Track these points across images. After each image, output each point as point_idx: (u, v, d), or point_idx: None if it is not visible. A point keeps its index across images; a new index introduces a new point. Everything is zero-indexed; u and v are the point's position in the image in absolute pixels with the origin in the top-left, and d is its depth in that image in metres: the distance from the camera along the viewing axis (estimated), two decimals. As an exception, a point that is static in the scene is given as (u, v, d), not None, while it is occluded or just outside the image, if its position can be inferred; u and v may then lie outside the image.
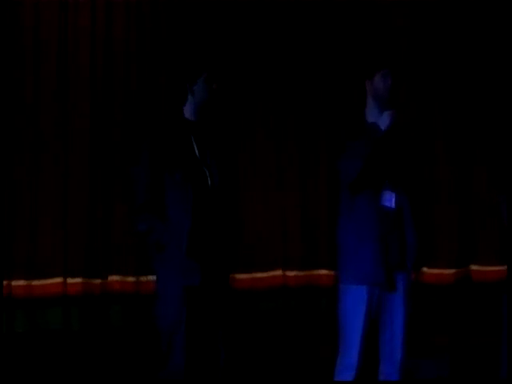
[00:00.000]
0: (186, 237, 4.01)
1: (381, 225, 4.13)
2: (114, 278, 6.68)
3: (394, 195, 4.18)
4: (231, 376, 4.07)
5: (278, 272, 6.88)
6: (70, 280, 6.61)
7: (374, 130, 4.17)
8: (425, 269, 6.97)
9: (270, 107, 7.00)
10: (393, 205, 4.17)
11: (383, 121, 4.16)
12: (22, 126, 6.64)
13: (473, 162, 7.11)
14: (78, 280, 6.62)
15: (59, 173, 6.67)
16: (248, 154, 6.94)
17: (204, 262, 4.02)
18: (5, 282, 6.40)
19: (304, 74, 7.02)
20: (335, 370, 4.18)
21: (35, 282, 6.57)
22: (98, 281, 6.66)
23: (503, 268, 5.84)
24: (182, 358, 4.00)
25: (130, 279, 6.64)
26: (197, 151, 4.13)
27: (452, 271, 6.96)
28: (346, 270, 4.21)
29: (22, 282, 6.55)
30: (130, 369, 5.72)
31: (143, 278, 6.55)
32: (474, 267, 6.98)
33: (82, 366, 5.90)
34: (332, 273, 6.78)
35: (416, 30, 7.18)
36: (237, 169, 6.78)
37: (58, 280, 6.61)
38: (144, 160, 4.11)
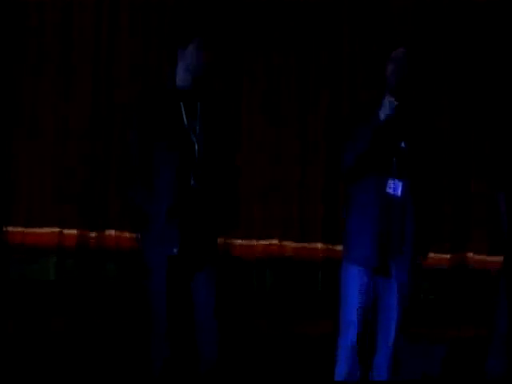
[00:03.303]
0: (168, 205, 3.99)
1: (381, 211, 4.15)
2: (110, 232, 6.72)
3: (400, 183, 4.19)
4: (225, 348, 4.08)
5: (275, 241, 6.92)
6: (66, 231, 6.65)
7: (376, 116, 4.16)
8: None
9: (272, 82, 7.01)
10: (398, 193, 4.18)
11: (383, 109, 4.14)
12: (23, 76, 6.70)
13: (471, 156, 7.12)
14: (74, 232, 6.66)
15: (58, 123, 6.69)
16: (246, 128, 6.94)
17: (184, 232, 4.00)
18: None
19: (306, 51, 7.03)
20: (337, 346, 4.25)
21: (31, 230, 6.61)
22: (94, 234, 6.70)
23: (498, 258, 5.88)
24: (167, 325, 3.99)
25: (127, 235, 6.66)
26: (185, 119, 4.06)
27: (446, 256, 7.00)
28: (346, 250, 4.29)
29: (18, 229, 6.60)
30: (122, 324, 5.76)
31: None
32: (469, 255, 7.03)
33: (73, 318, 5.93)
34: (328, 247, 6.85)
35: (420, 26, 7.15)
36: (235, 141, 6.80)
37: (55, 230, 6.64)
38: (134, 126, 4.08)
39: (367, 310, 4.21)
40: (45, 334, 5.56)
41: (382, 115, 4.14)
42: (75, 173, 6.70)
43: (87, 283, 6.58)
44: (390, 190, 4.17)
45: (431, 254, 6.83)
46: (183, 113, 4.08)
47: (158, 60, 6.67)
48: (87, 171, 6.72)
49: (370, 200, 4.17)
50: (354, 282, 4.20)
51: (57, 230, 6.65)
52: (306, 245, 6.93)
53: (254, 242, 6.89)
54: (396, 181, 4.18)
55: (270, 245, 6.89)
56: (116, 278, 6.65)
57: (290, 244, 6.92)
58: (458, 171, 7.06)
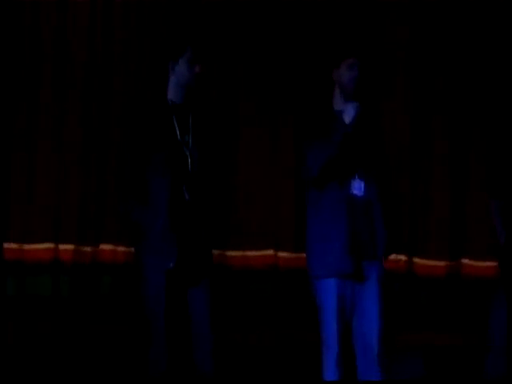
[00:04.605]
0: (163, 219, 3.99)
1: (349, 214, 4.08)
2: (105, 246, 6.71)
3: (362, 183, 4.12)
4: (221, 359, 4.08)
5: (270, 252, 6.91)
6: (61, 246, 6.65)
7: (340, 121, 4.10)
8: (416, 259, 7.01)
9: (263, 84, 6.97)
10: (362, 192, 4.12)
11: (348, 113, 4.09)
12: (19, 94, 6.69)
13: (468, 158, 7.11)
14: (70, 247, 6.65)
15: (55, 137, 6.70)
16: (242, 137, 6.93)
17: (180, 245, 4.00)
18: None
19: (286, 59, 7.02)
20: (322, 361, 4.20)
21: (27, 246, 6.61)
22: (89, 249, 6.69)
23: (494, 264, 5.87)
24: (163, 339, 3.98)
25: (121, 249, 6.66)
26: (178, 133, 4.07)
27: (443, 263, 6.99)
28: (316, 263, 4.15)
29: (13, 245, 6.59)
30: (117, 337, 5.75)
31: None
32: (465, 261, 7.02)
33: (68, 333, 5.92)
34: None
35: (411, 26, 7.15)
36: (231, 152, 6.81)
37: (50, 246, 6.64)
38: (128, 142, 4.08)
39: (347, 320, 4.15)
40: (42, 348, 5.55)
41: (347, 118, 4.09)
42: (71, 188, 6.70)
43: (83, 298, 6.58)
44: (355, 191, 4.13)
45: (426, 261, 6.98)
46: (176, 127, 4.10)
47: (152, 67, 6.69)
48: (82, 186, 6.72)
49: (336, 203, 4.08)
50: (330, 297, 4.09)
51: (52, 245, 6.65)
52: (301, 255, 6.92)
53: (249, 253, 6.89)
54: (359, 181, 4.13)
55: (265, 255, 6.90)
56: (112, 292, 6.65)
57: (285, 254, 6.91)
58: (454, 178, 7.09)
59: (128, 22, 6.85)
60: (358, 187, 4.13)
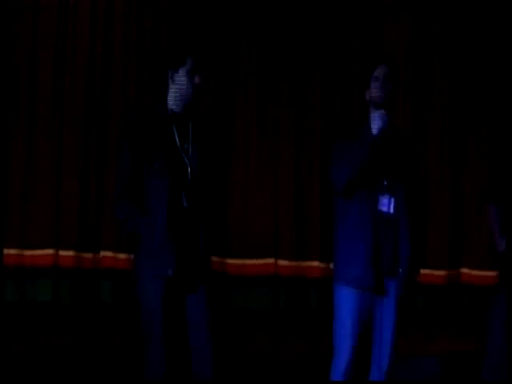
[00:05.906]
0: (161, 227, 4.01)
1: (374, 229, 4.11)
2: (106, 253, 6.72)
3: (392, 200, 4.15)
4: (220, 367, 4.08)
5: (270, 260, 6.92)
6: (61, 252, 6.66)
7: (368, 131, 4.13)
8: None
9: (265, 96, 7.03)
10: (391, 210, 4.14)
11: (375, 123, 4.11)
12: (17, 98, 6.73)
13: (465, 166, 7.14)
14: (70, 253, 6.67)
15: (54, 144, 6.73)
16: (241, 143, 6.97)
17: (179, 253, 4.01)
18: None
19: (300, 71, 7.07)
20: (330, 368, 4.21)
21: (27, 252, 6.62)
22: (90, 255, 6.71)
23: (493, 273, 5.88)
24: (161, 346, 3.99)
25: (122, 256, 6.67)
26: (178, 141, 4.09)
27: (442, 273, 7.01)
28: (338, 271, 4.19)
29: (13, 251, 6.61)
30: (117, 344, 5.76)
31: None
32: (464, 270, 7.03)
33: (69, 339, 5.93)
34: (323, 265, 6.86)
35: (413, 31, 7.19)
36: (229, 158, 6.83)
37: (50, 252, 6.66)
38: (125, 148, 4.08)
39: (363, 332, 4.17)
40: (42, 354, 5.55)
41: (375, 130, 4.12)
42: (70, 194, 6.72)
43: (84, 304, 6.59)
44: (383, 208, 4.16)
45: (426, 271, 6.98)
46: (175, 135, 4.11)
47: (152, 75, 6.72)
48: (82, 192, 6.74)
49: (363, 218, 4.11)
50: (348, 305, 4.13)
51: (52, 251, 6.66)
52: (301, 263, 6.93)
53: (249, 262, 6.90)
54: (388, 197, 4.17)
55: (265, 264, 6.91)
56: (113, 298, 6.66)
57: (285, 263, 6.93)
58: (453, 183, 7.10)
59: (128, 30, 6.88)
60: (385, 204, 4.13)
